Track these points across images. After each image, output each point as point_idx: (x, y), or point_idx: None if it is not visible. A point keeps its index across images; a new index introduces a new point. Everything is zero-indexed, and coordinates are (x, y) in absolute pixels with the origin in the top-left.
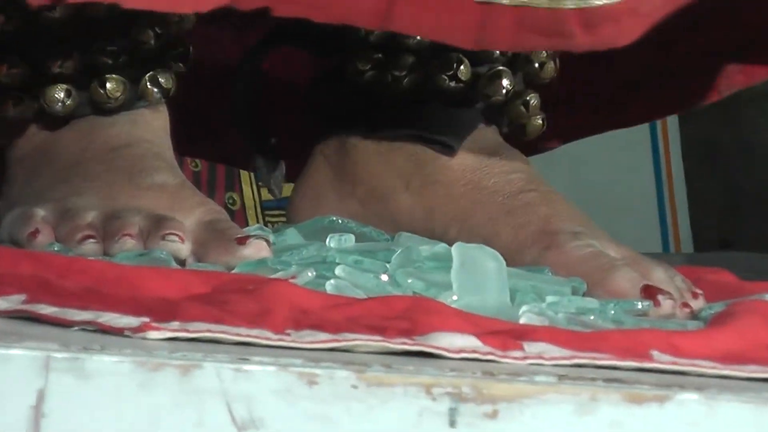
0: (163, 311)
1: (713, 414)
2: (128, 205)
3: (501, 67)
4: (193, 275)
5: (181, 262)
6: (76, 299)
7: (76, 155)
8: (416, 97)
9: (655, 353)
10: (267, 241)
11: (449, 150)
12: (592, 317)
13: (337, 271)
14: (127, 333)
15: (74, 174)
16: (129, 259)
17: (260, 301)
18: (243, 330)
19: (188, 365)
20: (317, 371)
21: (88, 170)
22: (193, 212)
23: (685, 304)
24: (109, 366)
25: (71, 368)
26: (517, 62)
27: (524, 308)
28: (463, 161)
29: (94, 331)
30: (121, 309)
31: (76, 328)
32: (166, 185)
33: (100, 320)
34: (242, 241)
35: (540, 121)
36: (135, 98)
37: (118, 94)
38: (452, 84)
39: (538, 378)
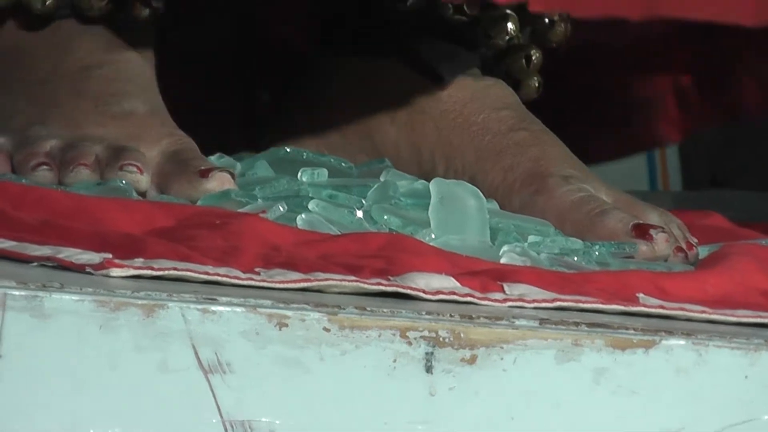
0: (126, 247)
1: (702, 361)
2: (90, 134)
3: (509, 11)
4: (156, 207)
5: (142, 195)
6: (34, 232)
7: (46, 70)
8: (416, 23)
9: (642, 296)
10: (231, 173)
11: (439, 81)
12: (575, 258)
13: (311, 205)
14: (88, 270)
15: (40, 95)
16: (86, 189)
17: (228, 237)
18: (210, 268)
19: (152, 305)
20: (287, 313)
21: (55, 92)
22: (159, 142)
23: (679, 249)
24: (69, 305)
25: (29, 307)
26: (528, 16)
27: (505, 248)
28: (453, 93)
29: (54, 267)
30: (82, 244)
31: (34, 263)
32: (134, 113)
33: (59, 256)
34: (205, 173)
35: (536, 85)
36: (120, 12)
37: (102, 3)
38: (456, 16)
39: (518, 322)
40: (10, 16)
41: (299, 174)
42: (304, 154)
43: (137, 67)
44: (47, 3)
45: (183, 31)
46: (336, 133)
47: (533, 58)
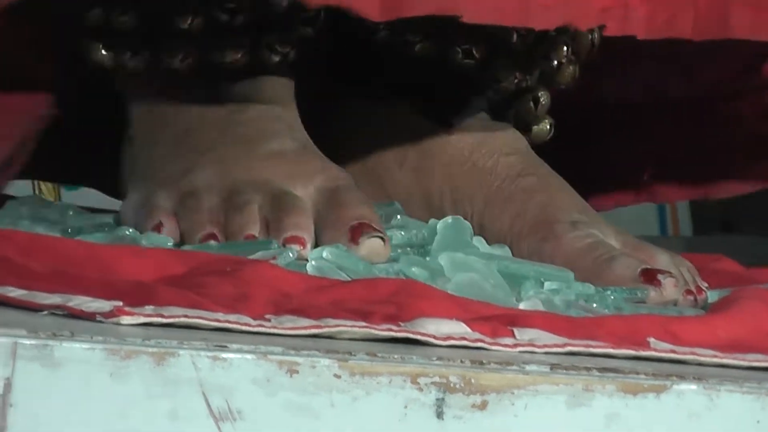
0: (136, 295)
1: (713, 405)
2: (244, 179)
3: (516, 55)
4: (168, 255)
5: None
6: (43, 281)
7: (191, 120)
8: (424, 69)
9: (653, 341)
10: (383, 239)
11: (448, 125)
12: (594, 305)
13: (324, 253)
14: (98, 318)
15: (188, 144)
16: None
17: (239, 284)
18: (220, 315)
19: (163, 353)
20: (298, 359)
21: (202, 139)
22: (313, 179)
23: (689, 291)
24: (79, 353)
25: (39, 356)
26: (536, 58)
27: (523, 294)
28: (462, 138)
29: (64, 315)
30: (92, 292)
31: (44, 312)
32: (284, 152)
33: (69, 304)
34: (356, 235)
35: (547, 127)
36: (255, 63)
37: (237, 56)
38: (465, 60)
39: (529, 367)
40: (153, 78)
41: None
42: None
43: (280, 109)
44: (186, 61)
45: None
46: None
47: (541, 100)
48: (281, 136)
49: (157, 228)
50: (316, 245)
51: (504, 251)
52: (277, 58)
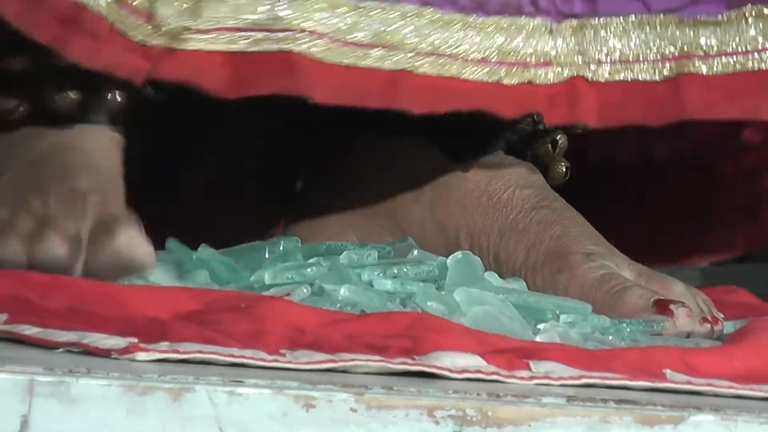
0: (151, 331)
1: None
2: (33, 210)
3: None
4: (183, 292)
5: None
6: (59, 319)
7: (16, 157)
8: None
9: (669, 372)
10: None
11: (464, 162)
12: (610, 337)
13: (342, 290)
14: (114, 355)
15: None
16: None
17: (254, 320)
18: (236, 351)
19: (179, 389)
20: (314, 394)
21: (12, 178)
22: (94, 215)
23: (705, 320)
24: (95, 390)
25: (56, 392)
26: None
27: (540, 326)
28: (477, 171)
29: (80, 352)
30: (107, 329)
31: (60, 349)
32: (76, 189)
33: (85, 341)
34: (112, 231)
35: (563, 169)
36: (83, 106)
37: (67, 99)
38: None
39: (545, 399)
40: None
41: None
42: (323, 246)
43: (95, 152)
44: (18, 110)
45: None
46: (360, 212)
47: (559, 142)
48: (79, 178)
49: None
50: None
51: (520, 285)
52: (114, 103)
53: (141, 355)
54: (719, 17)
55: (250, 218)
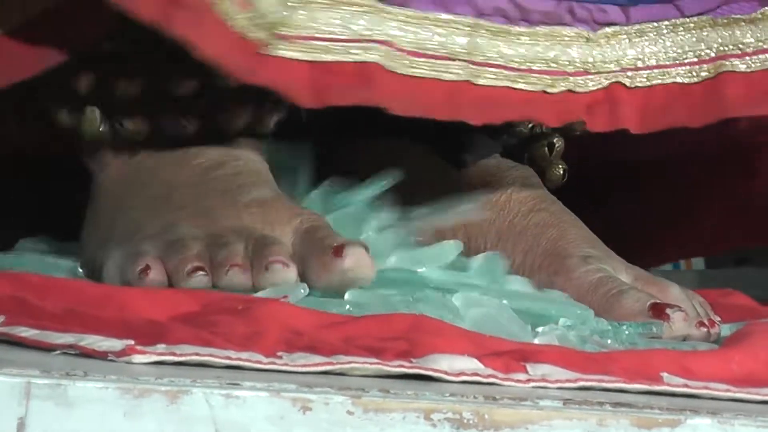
0: (148, 333)
1: None
2: (228, 226)
3: None
4: (181, 293)
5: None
6: (56, 321)
7: (168, 183)
8: None
9: (666, 375)
10: (365, 245)
11: (462, 165)
12: (609, 341)
13: (347, 296)
14: (110, 357)
15: (168, 203)
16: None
17: (250, 322)
18: (232, 353)
19: (176, 391)
20: (311, 396)
21: (182, 197)
22: (291, 223)
23: (702, 323)
24: (92, 392)
25: (53, 395)
26: None
27: (539, 329)
28: (475, 174)
29: (77, 355)
30: (104, 331)
31: (57, 351)
32: (261, 200)
33: (82, 343)
34: (339, 251)
35: (561, 172)
36: (251, 125)
37: (241, 118)
38: None
39: (542, 402)
40: (120, 148)
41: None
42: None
43: (255, 163)
44: (186, 127)
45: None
46: None
47: (556, 146)
48: (258, 187)
49: (144, 272)
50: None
51: (524, 287)
52: (273, 120)
53: (138, 358)
54: (754, 14)
55: None
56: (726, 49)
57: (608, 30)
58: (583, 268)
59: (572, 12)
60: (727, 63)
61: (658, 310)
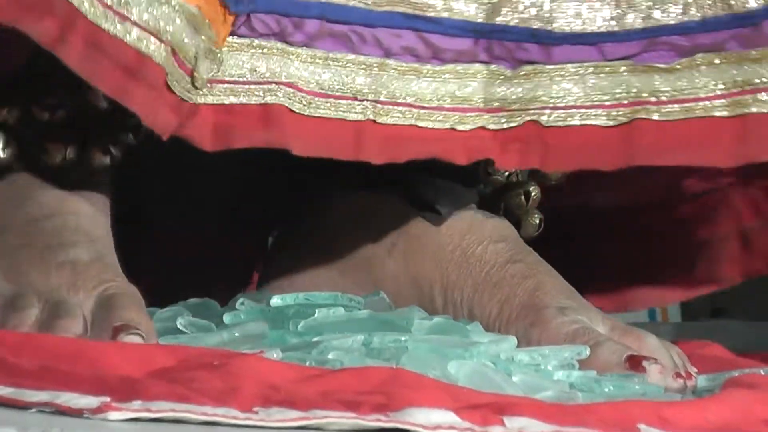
0: (123, 389)
1: None
2: (35, 287)
3: None
4: (155, 349)
5: None
6: (32, 378)
7: (1, 225)
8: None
9: (643, 427)
10: (141, 336)
11: (437, 216)
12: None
13: (331, 354)
14: (86, 414)
15: None
16: None
17: (226, 377)
18: (209, 409)
19: None
20: None
21: (5, 243)
22: (96, 289)
23: (679, 375)
24: None
25: None
26: None
27: (515, 378)
28: (451, 225)
29: (52, 412)
30: (79, 388)
31: (33, 409)
32: (76, 261)
33: (57, 401)
34: (117, 332)
35: (537, 221)
36: (76, 163)
37: (58, 155)
38: None
39: None
40: None
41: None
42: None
43: (86, 218)
44: (3, 155)
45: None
46: (334, 267)
47: (532, 195)
48: (78, 247)
49: None
50: None
51: (509, 343)
52: (107, 160)
53: (114, 415)
54: (672, 64)
55: (222, 269)
56: (643, 95)
57: (528, 68)
58: (560, 320)
59: (490, 50)
60: (642, 110)
61: (635, 363)
